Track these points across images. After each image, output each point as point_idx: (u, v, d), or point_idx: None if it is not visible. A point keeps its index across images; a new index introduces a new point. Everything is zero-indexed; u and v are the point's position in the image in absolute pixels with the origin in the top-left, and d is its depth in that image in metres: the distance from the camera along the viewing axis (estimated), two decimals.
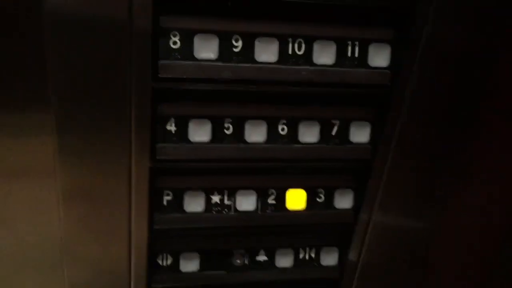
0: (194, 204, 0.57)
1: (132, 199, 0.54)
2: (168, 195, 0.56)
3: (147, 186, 0.54)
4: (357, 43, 0.53)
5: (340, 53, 0.52)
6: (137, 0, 0.45)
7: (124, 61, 0.47)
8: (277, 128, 0.55)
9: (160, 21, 0.47)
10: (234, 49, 0.50)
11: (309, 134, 0.56)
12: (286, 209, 0.60)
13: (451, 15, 0.51)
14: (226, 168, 0.56)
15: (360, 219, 0.61)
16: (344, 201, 0.61)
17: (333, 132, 0.57)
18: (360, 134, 0.57)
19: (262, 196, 0.59)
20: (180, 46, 0.49)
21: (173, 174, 0.56)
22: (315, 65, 0.52)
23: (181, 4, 0.47)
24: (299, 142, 0.56)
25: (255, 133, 0.54)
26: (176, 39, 0.48)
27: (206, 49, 0.49)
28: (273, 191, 0.59)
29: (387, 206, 0.61)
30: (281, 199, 0.60)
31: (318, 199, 0.61)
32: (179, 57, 0.49)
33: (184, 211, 0.56)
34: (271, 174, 0.58)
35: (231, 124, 0.54)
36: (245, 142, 0.54)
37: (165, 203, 0.56)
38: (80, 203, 0.51)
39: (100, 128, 0.48)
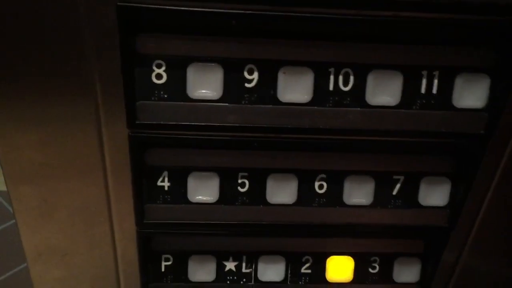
0: (201, 271, 0.43)
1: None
2: (167, 260, 0.43)
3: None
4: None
5: (409, 88, 0.35)
6: None
7: None
8: (312, 184, 0.39)
9: None
10: (247, 84, 0.34)
11: (359, 194, 0.39)
12: (325, 281, 0.45)
13: None
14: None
15: None
16: (407, 274, 0.45)
17: (395, 192, 0.40)
18: (434, 195, 0.40)
19: (293, 263, 0.44)
20: None
21: (171, 235, 0.42)
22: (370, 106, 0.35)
23: None
24: (344, 205, 0.40)
25: (280, 192, 0.39)
26: None
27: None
28: (309, 257, 0.44)
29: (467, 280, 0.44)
30: (319, 267, 0.44)
31: (370, 269, 0.45)
32: None
33: None
34: (306, 236, 0.43)
35: (246, 179, 0.38)
36: (266, 203, 0.39)
37: (163, 269, 0.43)
38: None
39: None
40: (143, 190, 0.38)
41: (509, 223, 0.41)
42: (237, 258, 0.43)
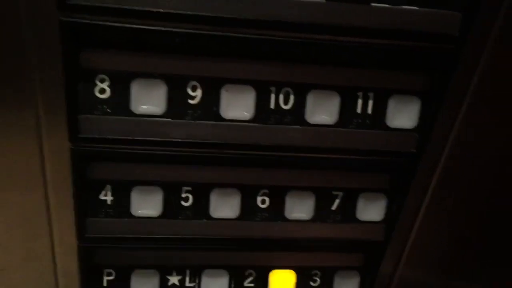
0: (145, 286, 0.43)
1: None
2: (109, 274, 0.43)
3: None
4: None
5: (345, 108, 0.36)
6: None
7: None
8: (255, 199, 0.40)
9: None
10: (190, 101, 0.35)
11: (300, 209, 0.40)
12: None
13: None
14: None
15: None
16: (347, 286, 0.46)
17: (334, 207, 0.41)
18: (371, 210, 0.42)
19: (236, 278, 0.44)
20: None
21: (113, 250, 0.41)
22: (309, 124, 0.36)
23: None
24: (285, 219, 0.41)
25: (224, 207, 0.39)
26: None
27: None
28: (252, 271, 0.45)
29: None
30: (262, 282, 0.45)
31: (312, 283, 0.46)
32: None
33: None
34: (249, 250, 0.44)
35: (190, 193, 0.39)
36: (209, 217, 0.40)
37: (105, 284, 0.43)
38: None
39: None
40: (85, 204, 0.37)
41: (442, 236, 0.44)
42: (180, 272, 0.44)
